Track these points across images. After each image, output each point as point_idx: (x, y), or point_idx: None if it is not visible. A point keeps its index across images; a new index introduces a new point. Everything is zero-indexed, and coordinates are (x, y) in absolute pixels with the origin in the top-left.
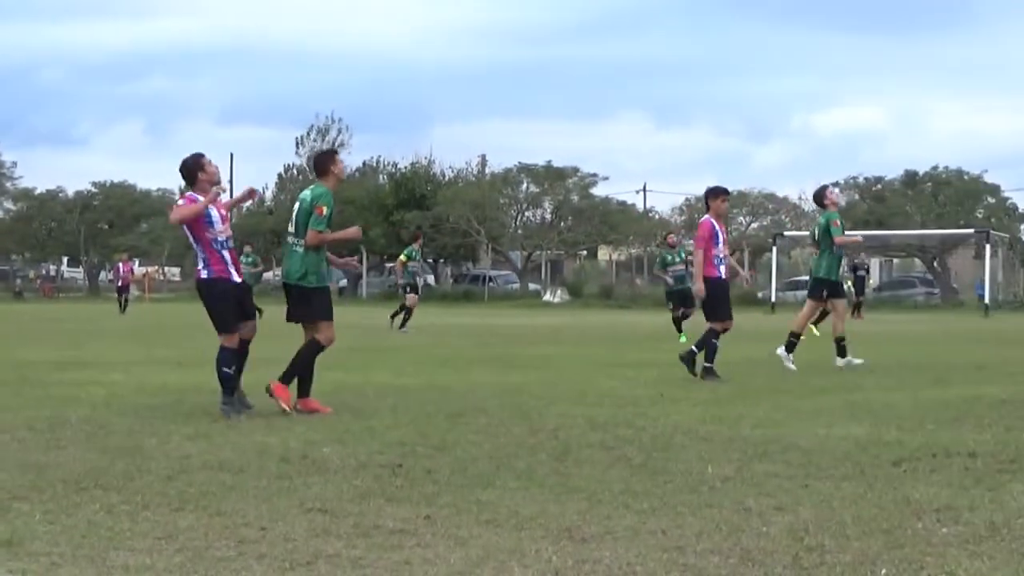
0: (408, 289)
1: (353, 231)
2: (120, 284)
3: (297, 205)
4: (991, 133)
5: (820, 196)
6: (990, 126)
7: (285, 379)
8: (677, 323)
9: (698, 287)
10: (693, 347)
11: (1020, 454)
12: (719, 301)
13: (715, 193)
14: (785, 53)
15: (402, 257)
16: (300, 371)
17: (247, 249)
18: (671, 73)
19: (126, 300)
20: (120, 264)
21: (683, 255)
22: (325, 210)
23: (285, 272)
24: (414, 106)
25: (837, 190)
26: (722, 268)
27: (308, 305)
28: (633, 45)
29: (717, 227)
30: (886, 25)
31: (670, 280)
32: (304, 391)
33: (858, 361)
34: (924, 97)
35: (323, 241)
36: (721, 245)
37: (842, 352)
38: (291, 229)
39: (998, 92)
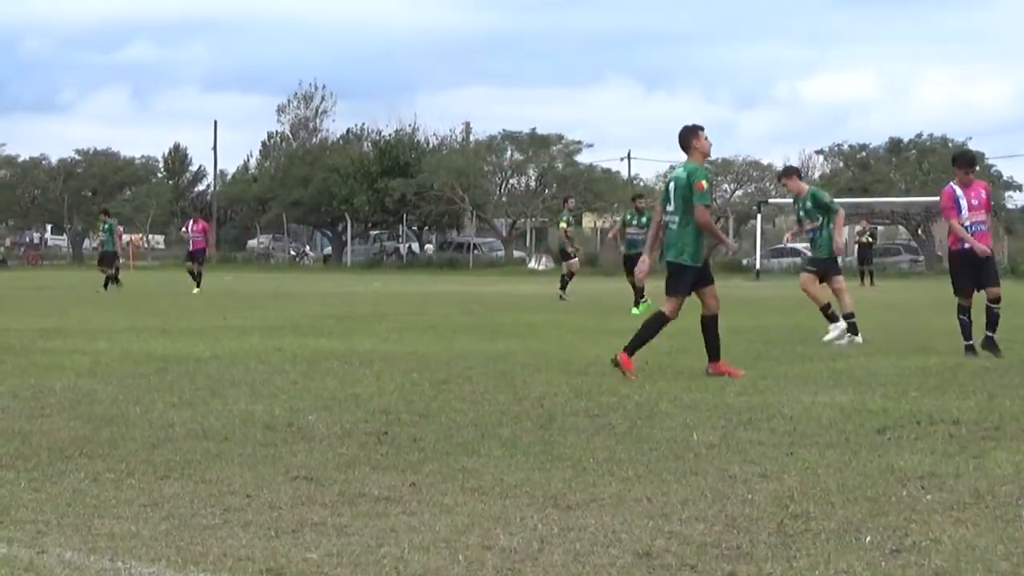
0: (568, 255)
1: (732, 245)
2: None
3: (672, 184)
4: (979, 101)
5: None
6: (978, 94)
7: (713, 355)
8: (637, 291)
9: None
10: (988, 334)
11: (1003, 421)
12: (955, 273)
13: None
14: (773, 19)
15: (563, 225)
16: (715, 340)
17: (103, 217)
18: (658, 41)
19: (117, 269)
20: None
21: (644, 219)
22: (704, 184)
23: (664, 249)
24: (398, 73)
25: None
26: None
27: (690, 281)
28: (620, 12)
29: (960, 193)
30: None
31: (622, 247)
32: (714, 356)
33: (842, 339)
34: (912, 65)
35: (708, 222)
36: (966, 212)
37: (852, 329)
38: (669, 208)
39: (987, 60)
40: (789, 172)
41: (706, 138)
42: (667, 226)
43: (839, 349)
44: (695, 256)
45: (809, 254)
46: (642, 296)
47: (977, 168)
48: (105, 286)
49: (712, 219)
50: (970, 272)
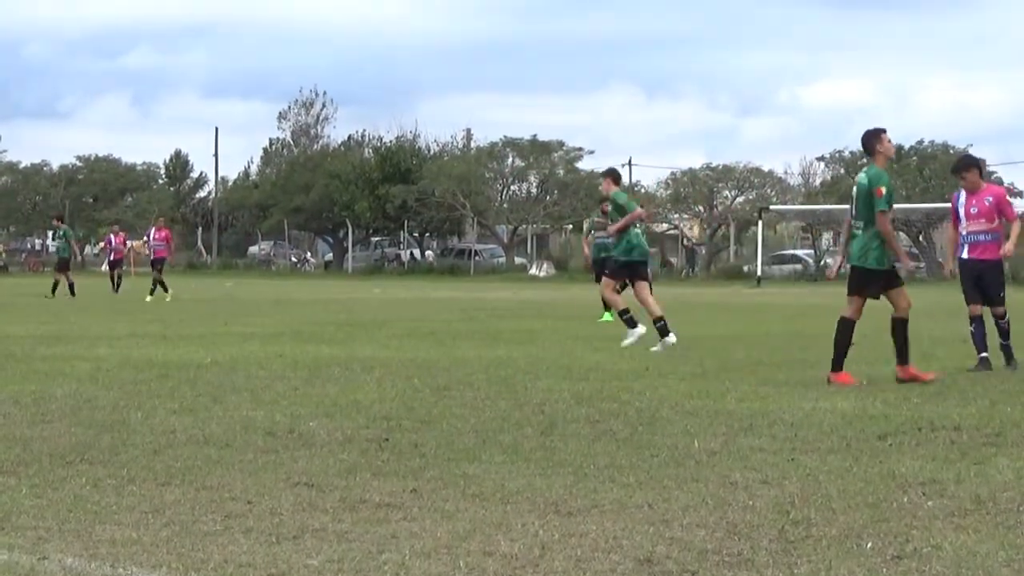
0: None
1: (908, 264)
2: (112, 259)
3: (855, 189)
4: (980, 108)
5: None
6: (979, 101)
7: (902, 359)
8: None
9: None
10: (1001, 342)
11: (1005, 427)
12: (961, 281)
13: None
14: (775, 26)
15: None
16: (904, 343)
17: (56, 223)
18: (660, 47)
19: (119, 277)
20: (111, 237)
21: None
22: (884, 190)
23: (850, 254)
24: (399, 80)
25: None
26: (965, 247)
27: (877, 285)
28: (621, 19)
29: (962, 200)
30: None
31: (587, 250)
32: (903, 359)
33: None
34: (913, 71)
35: (888, 230)
36: (964, 221)
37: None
38: (852, 212)
39: (988, 67)
40: (605, 174)
41: (889, 141)
42: (852, 232)
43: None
44: (879, 260)
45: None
46: (608, 307)
47: (967, 174)
48: (53, 291)
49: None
50: (972, 283)
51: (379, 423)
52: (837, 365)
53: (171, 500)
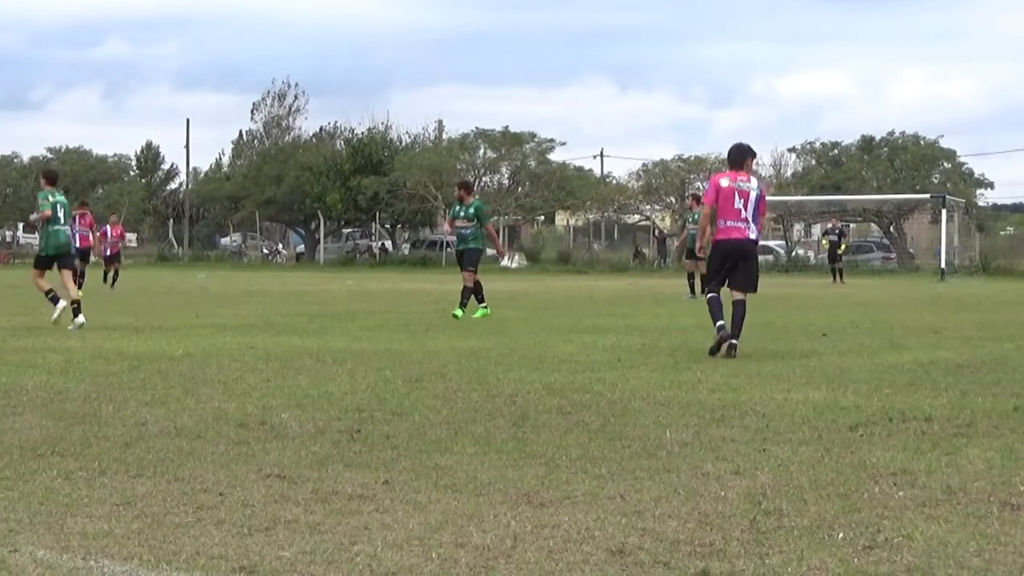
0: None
1: None
2: (108, 253)
3: None
4: (952, 99)
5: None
6: (951, 92)
7: None
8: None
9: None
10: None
11: (976, 418)
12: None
13: None
14: (748, 18)
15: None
16: None
17: None
18: (633, 39)
19: (116, 272)
20: (108, 227)
21: (471, 211)
22: None
23: None
24: (371, 71)
25: None
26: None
27: None
28: (595, 11)
29: None
30: None
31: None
32: None
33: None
34: (886, 63)
35: None
36: None
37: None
38: None
39: (960, 59)
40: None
41: None
42: None
43: (812, 348)
44: None
45: None
46: (481, 300)
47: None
48: None
49: None
50: None
51: (351, 415)
52: None
53: (143, 492)
